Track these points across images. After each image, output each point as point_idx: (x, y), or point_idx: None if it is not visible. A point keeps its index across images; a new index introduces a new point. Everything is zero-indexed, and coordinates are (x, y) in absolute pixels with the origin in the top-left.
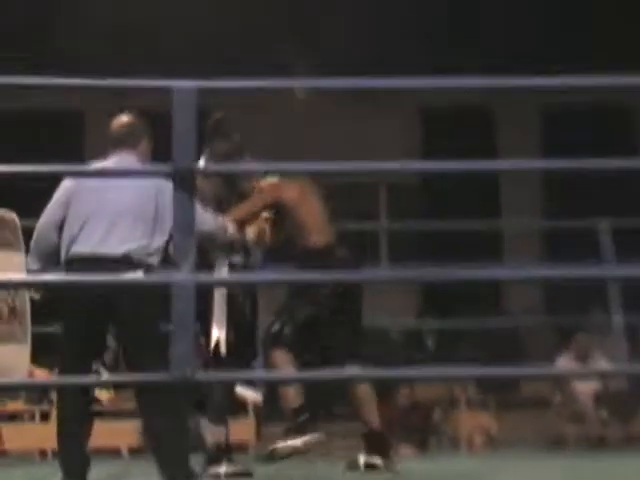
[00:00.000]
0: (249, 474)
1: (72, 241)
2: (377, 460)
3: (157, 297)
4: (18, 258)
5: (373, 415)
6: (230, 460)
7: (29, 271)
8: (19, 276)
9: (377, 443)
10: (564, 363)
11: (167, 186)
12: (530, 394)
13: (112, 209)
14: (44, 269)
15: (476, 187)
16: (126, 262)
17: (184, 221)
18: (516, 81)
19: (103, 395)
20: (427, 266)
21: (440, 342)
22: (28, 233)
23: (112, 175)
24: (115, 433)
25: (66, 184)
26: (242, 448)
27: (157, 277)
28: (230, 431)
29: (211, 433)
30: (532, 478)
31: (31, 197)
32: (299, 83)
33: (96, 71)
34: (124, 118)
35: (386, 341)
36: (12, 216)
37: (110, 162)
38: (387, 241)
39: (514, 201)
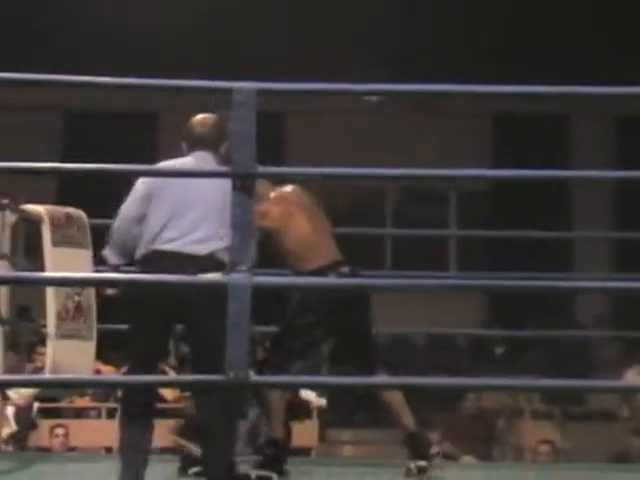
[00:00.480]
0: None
1: (154, 237)
2: (424, 462)
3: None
4: (85, 255)
5: (408, 418)
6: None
7: (108, 265)
8: (86, 273)
9: (419, 445)
10: (632, 376)
11: None
12: (597, 406)
13: (196, 206)
14: (123, 263)
15: (548, 194)
16: (210, 262)
17: (243, 222)
18: (594, 89)
19: (168, 394)
20: (497, 274)
21: (509, 351)
22: (96, 231)
23: (174, 175)
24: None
25: (146, 180)
26: (305, 452)
27: (212, 278)
28: (293, 435)
29: None
30: None
31: (102, 196)
32: (364, 87)
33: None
34: (208, 118)
35: (452, 349)
36: (80, 214)
37: (187, 161)
38: (456, 248)
39: (587, 208)
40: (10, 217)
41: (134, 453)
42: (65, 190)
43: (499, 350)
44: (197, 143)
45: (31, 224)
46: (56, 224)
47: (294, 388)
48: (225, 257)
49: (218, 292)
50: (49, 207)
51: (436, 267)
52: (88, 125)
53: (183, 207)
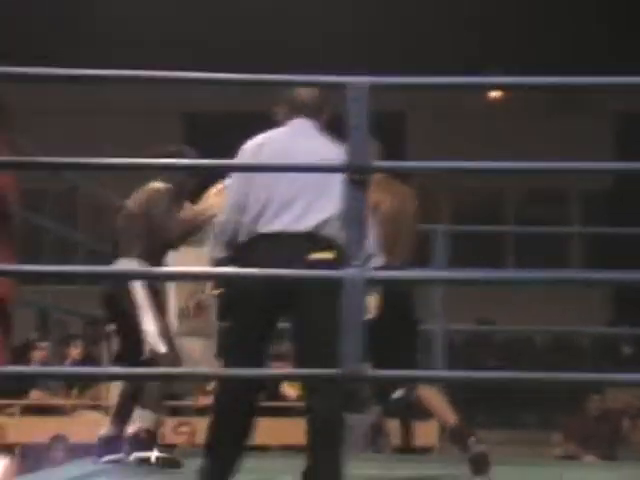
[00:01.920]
0: (178, 463)
1: (257, 218)
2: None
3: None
4: (199, 253)
5: (448, 412)
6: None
7: (215, 260)
8: (202, 267)
9: (462, 437)
10: None
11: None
12: None
13: (293, 180)
14: (227, 255)
15: None
16: (319, 239)
17: (356, 216)
18: None
19: (290, 391)
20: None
21: (637, 350)
22: None
23: (284, 170)
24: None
25: (243, 157)
26: (427, 450)
27: (327, 272)
28: (416, 434)
29: (141, 418)
30: None
31: None
32: (478, 80)
33: None
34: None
35: (575, 349)
36: None
37: (294, 129)
38: (579, 248)
39: None
40: None
41: (229, 450)
42: None
43: (627, 350)
44: (299, 109)
45: None
46: None
47: (411, 382)
48: (334, 232)
49: (329, 282)
50: None
51: (558, 266)
52: (207, 127)
53: (286, 182)
